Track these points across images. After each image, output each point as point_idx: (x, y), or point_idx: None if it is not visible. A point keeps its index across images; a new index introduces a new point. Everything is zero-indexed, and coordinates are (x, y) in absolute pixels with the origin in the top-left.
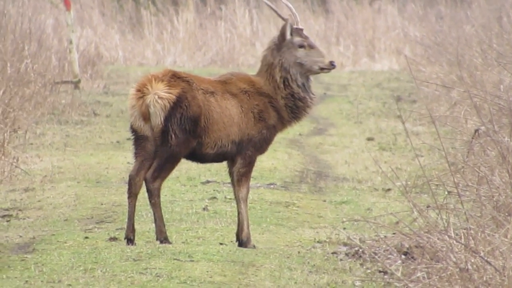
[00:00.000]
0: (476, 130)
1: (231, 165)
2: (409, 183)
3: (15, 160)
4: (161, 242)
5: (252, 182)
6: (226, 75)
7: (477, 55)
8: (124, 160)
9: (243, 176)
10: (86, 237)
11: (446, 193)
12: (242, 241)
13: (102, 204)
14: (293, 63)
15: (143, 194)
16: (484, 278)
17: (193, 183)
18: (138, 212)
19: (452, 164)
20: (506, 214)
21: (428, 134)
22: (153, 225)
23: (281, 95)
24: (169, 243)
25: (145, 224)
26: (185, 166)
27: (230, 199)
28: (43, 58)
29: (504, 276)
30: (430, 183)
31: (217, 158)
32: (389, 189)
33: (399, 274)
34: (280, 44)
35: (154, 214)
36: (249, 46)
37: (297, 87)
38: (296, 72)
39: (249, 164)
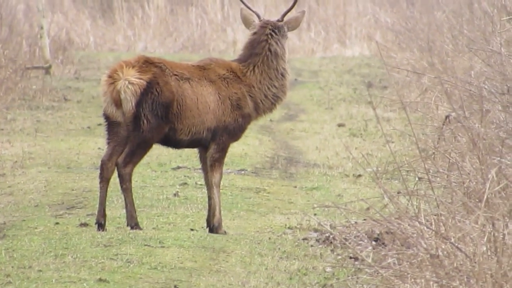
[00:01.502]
0: (447, 116)
1: (203, 151)
2: (379, 169)
3: None
4: (132, 227)
5: (223, 168)
6: (205, 61)
7: (448, 41)
8: (95, 145)
9: (216, 162)
10: (57, 223)
11: (417, 179)
12: (213, 226)
13: (72, 190)
14: (286, 55)
15: (114, 180)
16: (455, 265)
17: (163, 169)
18: (109, 198)
19: (423, 150)
20: (477, 200)
21: (399, 120)
22: (124, 211)
23: (268, 85)
24: (140, 229)
25: (115, 210)
26: (156, 152)
27: (201, 185)
28: (14, 43)
29: (475, 262)
30: (401, 169)
31: (191, 144)
32: (360, 175)
33: (369, 260)
34: (283, 34)
35: (125, 199)
36: (220, 32)
37: (288, 79)
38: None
39: (223, 150)
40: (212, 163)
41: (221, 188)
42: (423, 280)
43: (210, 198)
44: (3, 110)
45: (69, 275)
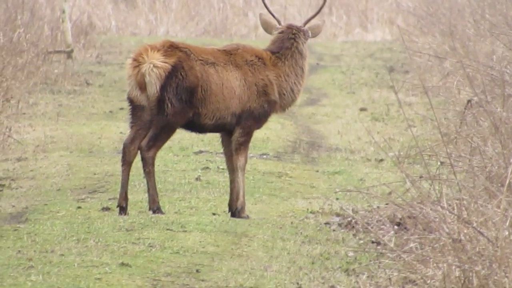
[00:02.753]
0: (469, 101)
1: (225, 135)
2: (401, 153)
3: (7, 130)
4: (154, 212)
5: None
6: (232, 45)
7: (469, 25)
8: (117, 130)
9: (241, 145)
10: (79, 207)
11: (439, 163)
12: (236, 209)
13: (94, 174)
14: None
15: (136, 164)
16: (477, 249)
17: (185, 153)
18: (131, 182)
19: (445, 135)
20: (499, 184)
21: (421, 104)
22: (146, 195)
23: (294, 80)
24: (162, 213)
25: (137, 194)
26: (177, 136)
27: (223, 169)
28: (36, 27)
29: (497, 246)
30: (423, 154)
31: (216, 129)
32: (382, 160)
33: (391, 245)
34: (307, 37)
35: (147, 183)
36: (242, 16)
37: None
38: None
39: (248, 134)
40: (237, 146)
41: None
42: (445, 265)
43: (233, 181)
44: (25, 94)
45: (91, 259)
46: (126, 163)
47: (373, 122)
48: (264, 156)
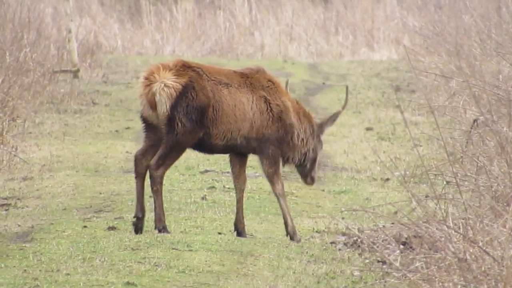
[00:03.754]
0: (475, 120)
1: (234, 154)
2: (407, 173)
3: (14, 149)
4: (160, 231)
5: (250, 172)
6: (252, 68)
7: (476, 45)
8: (123, 149)
9: (274, 175)
10: (85, 226)
11: (445, 183)
12: (289, 235)
13: (100, 193)
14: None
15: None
16: (483, 268)
17: (191, 173)
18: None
19: (451, 154)
20: (505, 204)
21: (427, 124)
22: (152, 214)
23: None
24: (168, 232)
25: None
26: (184, 156)
27: (229, 188)
28: (42, 47)
29: (503, 266)
30: (429, 173)
31: (226, 150)
32: (387, 179)
33: (397, 264)
34: (318, 131)
35: (154, 201)
36: (248, 36)
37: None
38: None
39: (275, 163)
40: (270, 178)
41: (248, 191)
42: (451, 284)
43: (239, 201)
44: (31, 114)
45: (97, 279)
46: (139, 175)
47: (379, 142)
48: None
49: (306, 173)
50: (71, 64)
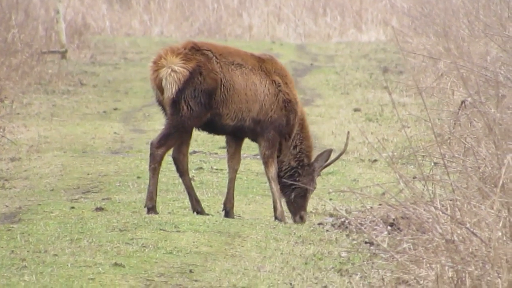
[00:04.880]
0: (463, 101)
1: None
2: (395, 154)
3: (1, 130)
4: (149, 210)
5: None
6: (267, 55)
7: (464, 26)
8: (111, 130)
9: (269, 158)
10: (72, 207)
11: (433, 164)
12: (277, 219)
13: (88, 174)
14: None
15: (129, 164)
16: (470, 250)
17: (172, 158)
18: (124, 183)
19: (439, 135)
20: (492, 185)
21: (415, 105)
22: (140, 195)
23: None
24: (156, 213)
25: (131, 195)
26: None
27: (217, 169)
28: (30, 28)
29: (490, 247)
30: (417, 154)
31: (235, 131)
32: (375, 160)
33: (385, 245)
34: (309, 167)
35: (150, 179)
36: (236, 17)
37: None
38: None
39: (273, 146)
40: (266, 160)
41: (237, 173)
42: (438, 265)
43: (231, 180)
44: (19, 95)
45: (84, 260)
46: (183, 173)
47: (367, 123)
48: (258, 157)
49: (295, 210)
50: (59, 45)
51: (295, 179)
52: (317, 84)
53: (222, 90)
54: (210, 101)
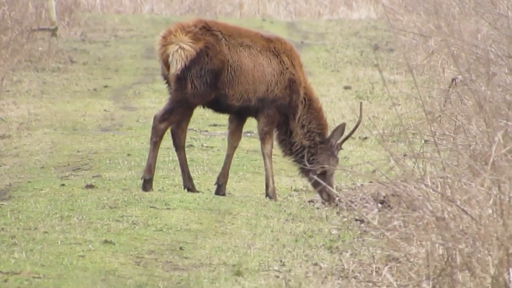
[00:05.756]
0: (453, 79)
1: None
2: (386, 131)
3: None
4: (145, 181)
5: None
6: (275, 35)
7: (454, 4)
8: (101, 107)
9: (267, 134)
10: (63, 185)
11: (423, 141)
12: (268, 197)
13: (78, 152)
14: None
15: (119, 141)
16: (461, 227)
17: (169, 131)
18: (115, 160)
19: (429, 113)
20: (483, 163)
21: (405, 83)
22: (130, 173)
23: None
24: (150, 186)
25: (121, 172)
26: None
27: (207, 147)
28: (20, 5)
29: (481, 225)
30: (407, 132)
31: (240, 111)
32: (366, 138)
33: (375, 223)
34: (325, 144)
35: (150, 152)
36: None
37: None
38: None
39: (272, 123)
40: (263, 136)
41: (235, 150)
42: (428, 243)
43: (227, 156)
44: (9, 72)
45: (74, 237)
46: (179, 148)
47: (358, 100)
48: (248, 134)
49: (320, 189)
50: (49, 22)
51: (310, 158)
52: (308, 62)
53: (229, 71)
54: (215, 82)
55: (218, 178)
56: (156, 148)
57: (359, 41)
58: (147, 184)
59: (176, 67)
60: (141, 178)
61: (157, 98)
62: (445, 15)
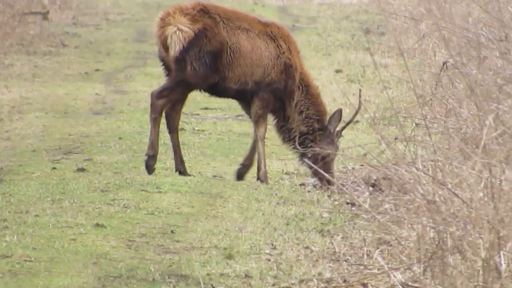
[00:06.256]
0: (444, 63)
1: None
2: (377, 115)
3: None
4: (149, 157)
5: (220, 114)
6: (272, 21)
7: None
8: (93, 91)
9: (260, 117)
10: (54, 168)
11: (414, 125)
12: (260, 180)
13: (70, 135)
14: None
15: (111, 124)
16: (452, 210)
17: (164, 113)
18: (106, 143)
19: (420, 96)
20: (474, 146)
21: (397, 66)
22: (121, 156)
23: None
24: (154, 162)
25: (112, 156)
26: None
27: (198, 130)
28: None
29: (472, 208)
30: (398, 115)
31: (237, 95)
32: (357, 121)
33: (366, 206)
34: (324, 131)
35: (151, 129)
36: None
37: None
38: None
39: (266, 107)
40: (257, 118)
41: (218, 133)
42: (419, 226)
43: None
44: (0, 56)
45: (66, 220)
46: (172, 130)
47: (349, 84)
48: (240, 117)
49: (319, 176)
50: (41, 5)
51: (308, 145)
52: (299, 46)
53: (228, 53)
54: (215, 63)
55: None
56: (156, 124)
57: (350, 25)
58: (151, 160)
59: (174, 49)
60: (145, 155)
61: (148, 82)
62: None
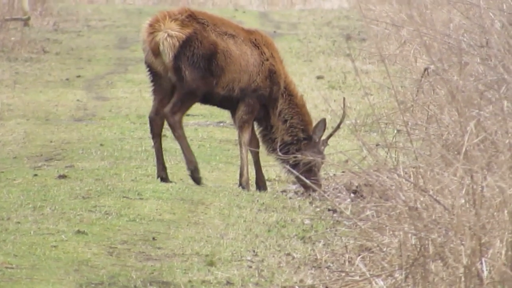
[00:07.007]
0: (426, 69)
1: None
2: (358, 121)
3: None
4: (192, 172)
5: (201, 120)
6: (255, 28)
7: None
8: (74, 97)
9: (245, 123)
10: (35, 175)
11: (396, 131)
12: (241, 186)
13: (51, 142)
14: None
15: (92, 131)
16: (433, 217)
17: (142, 121)
18: (88, 150)
19: (402, 103)
20: (455, 152)
21: (378, 72)
22: (102, 163)
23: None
24: (198, 174)
25: (94, 162)
26: (134, 104)
27: None
28: None
29: (453, 214)
30: (380, 122)
31: (222, 100)
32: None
33: (348, 213)
34: (309, 141)
35: (181, 147)
36: None
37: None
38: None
39: (251, 113)
40: (241, 124)
41: (199, 140)
42: (401, 233)
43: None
44: None
45: (47, 227)
46: (156, 136)
47: (330, 90)
48: (221, 124)
49: (304, 185)
50: (22, 12)
51: (290, 155)
52: (280, 52)
53: (221, 56)
54: (210, 66)
55: (257, 183)
56: (183, 140)
57: (332, 31)
58: (195, 173)
59: (168, 56)
60: (187, 169)
61: (129, 88)
62: (418, 4)
